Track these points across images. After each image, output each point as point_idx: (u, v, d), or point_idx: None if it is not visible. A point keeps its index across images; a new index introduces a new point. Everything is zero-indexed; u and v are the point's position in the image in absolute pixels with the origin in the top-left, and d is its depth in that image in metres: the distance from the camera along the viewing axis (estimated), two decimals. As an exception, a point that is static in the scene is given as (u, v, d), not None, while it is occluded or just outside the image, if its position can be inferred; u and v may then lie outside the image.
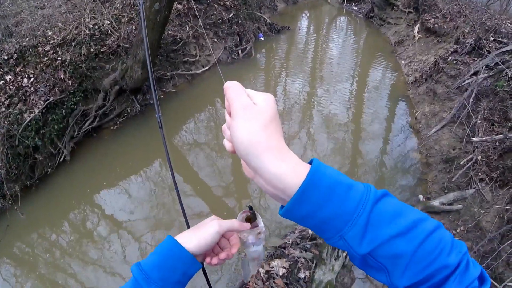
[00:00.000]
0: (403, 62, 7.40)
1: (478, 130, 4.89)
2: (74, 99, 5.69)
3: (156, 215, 5.16)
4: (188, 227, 1.09)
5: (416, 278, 0.51)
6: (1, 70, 5.32)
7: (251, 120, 0.53)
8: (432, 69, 6.34)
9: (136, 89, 6.60)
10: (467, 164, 4.72)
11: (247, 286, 3.70)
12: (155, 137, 6.40)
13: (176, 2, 7.84)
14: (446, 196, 4.66)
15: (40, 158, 5.28)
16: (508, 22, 7.00)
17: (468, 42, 6.24)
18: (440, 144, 5.35)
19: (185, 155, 6.24)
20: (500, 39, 6.23)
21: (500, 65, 5.23)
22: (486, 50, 5.98)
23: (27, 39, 5.79)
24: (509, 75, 5.15)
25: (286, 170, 0.51)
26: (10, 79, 5.26)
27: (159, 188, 5.64)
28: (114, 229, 5.02)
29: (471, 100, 5.19)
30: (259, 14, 10.54)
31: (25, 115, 5.08)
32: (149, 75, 1.46)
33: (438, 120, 5.69)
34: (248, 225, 0.87)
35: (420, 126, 5.91)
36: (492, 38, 6.25)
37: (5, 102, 5.05)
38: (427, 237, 0.50)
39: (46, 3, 7.09)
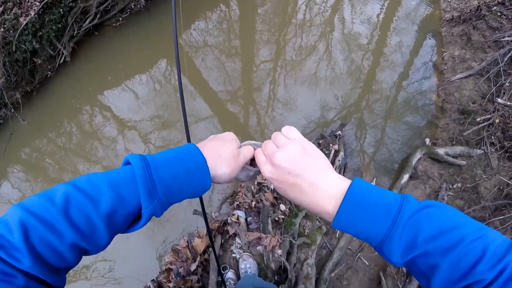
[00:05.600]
0: None
1: (504, 93, 4.64)
2: (73, -5, 5.21)
3: (161, 115, 5.17)
4: (188, 133, 0.98)
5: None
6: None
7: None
8: (473, 13, 5.74)
9: (140, -18, 6.01)
10: (483, 123, 4.59)
11: (237, 197, 3.84)
12: (160, 35, 6.07)
13: None
14: (453, 148, 4.63)
15: (39, 62, 5.09)
16: None
17: None
18: (461, 93, 5.13)
19: (192, 56, 5.98)
20: (555, 5, 5.50)
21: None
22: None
23: None
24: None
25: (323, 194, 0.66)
26: None
27: (164, 89, 5.56)
28: (118, 128, 5.07)
29: (506, 59, 4.82)
30: None
31: (21, 19, 4.75)
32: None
33: (465, 68, 5.36)
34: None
35: (445, 68, 5.59)
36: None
37: None
38: (464, 249, 0.53)
39: None
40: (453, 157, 4.57)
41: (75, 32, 5.48)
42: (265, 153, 0.75)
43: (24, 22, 4.75)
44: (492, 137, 4.46)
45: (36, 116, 5.14)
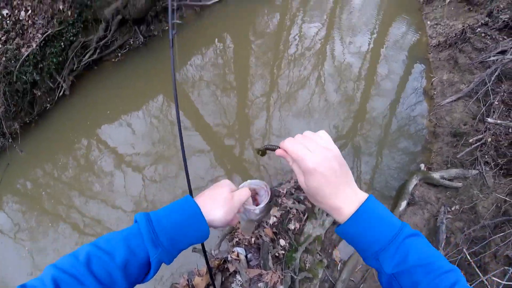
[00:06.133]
0: (428, 22, 6.91)
1: (494, 112, 4.72)
2: (74, 30, 5.38)
3: (157, 150, 5.20)
4: (189, 186, 1.05)
5: None
6: (-2, 4, 4.89)
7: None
8: (458, 36, 5.93)
9: (139, 20, 6.23)
10: (476, 143, 4.64)
11: (237, 233, 3.79)
12: (158, 70, 6.19)
13: None
14: (448, 171, 4.66)
15: (39, 94, 5.19)
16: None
17: (501, 18, 5.77)
18: (452, 116, 5.21)
19: (188, 91, 6.08)
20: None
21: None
22: (520, 33, 5.52)
23: (25, -32, 5.21)
24: (538, 62, 4.84)
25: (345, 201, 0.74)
26: (7, 13, 4.93)
27: (161, 123, 5.61)
28: (115, 163, 5.08)
29: (493, 78, 4.93)
30: None
31: (23, 50, 4.88)
32: None
33: (454, 91, 5.46)
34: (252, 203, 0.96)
35: (435, 93, 5.70)
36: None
37: (1, 38, 4.80)
38: (441, 274, 0.64)
39: None
40: (449, 180, 4.59)
41: (75, 66, 5.62)
42: (308, 145, 0.77)
43: (26, 53, 4.87)
44: (486, 156, 4.50)
45: (33, 147, 5.17)
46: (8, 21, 4.91)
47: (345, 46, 7.01)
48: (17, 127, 5.03)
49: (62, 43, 5.27)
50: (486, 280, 3.21)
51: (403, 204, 4.44)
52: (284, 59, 6.79)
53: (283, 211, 3.96)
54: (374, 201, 0.74)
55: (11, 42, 4.87)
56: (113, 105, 5.74)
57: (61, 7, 5.19)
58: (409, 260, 0.66)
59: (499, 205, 4.06)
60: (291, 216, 3.95)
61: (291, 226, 3.89)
